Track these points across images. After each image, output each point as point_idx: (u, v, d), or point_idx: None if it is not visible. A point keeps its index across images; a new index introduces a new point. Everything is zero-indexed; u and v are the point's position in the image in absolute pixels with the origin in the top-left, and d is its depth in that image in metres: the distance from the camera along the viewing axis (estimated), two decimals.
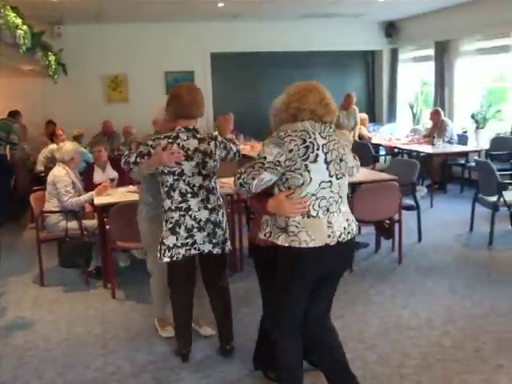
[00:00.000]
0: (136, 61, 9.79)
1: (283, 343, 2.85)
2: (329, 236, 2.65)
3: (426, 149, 8.16)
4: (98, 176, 5.74)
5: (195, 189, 3.36)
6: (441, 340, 3.74)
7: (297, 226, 2.63)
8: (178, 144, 3.32)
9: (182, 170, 3.32)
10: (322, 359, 2.99)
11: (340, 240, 2.68)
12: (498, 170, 5.76)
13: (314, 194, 2.64)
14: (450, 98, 9.67)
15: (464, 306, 4.30)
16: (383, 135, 10.05)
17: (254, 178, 2.61)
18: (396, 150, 9.16)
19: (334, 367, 2.94)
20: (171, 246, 3.37)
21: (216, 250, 3.46)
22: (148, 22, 9.43)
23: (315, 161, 2.61)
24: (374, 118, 11.27)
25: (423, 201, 7.26)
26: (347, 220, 2.76)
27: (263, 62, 10.51)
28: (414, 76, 11.01)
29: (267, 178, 2.62)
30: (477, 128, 8.83)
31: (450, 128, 8.70)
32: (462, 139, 8.90)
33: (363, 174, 5.11)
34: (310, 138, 2.62)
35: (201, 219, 3.38)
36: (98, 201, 4.87)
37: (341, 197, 2.74)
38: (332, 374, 2.94)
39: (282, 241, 2.67)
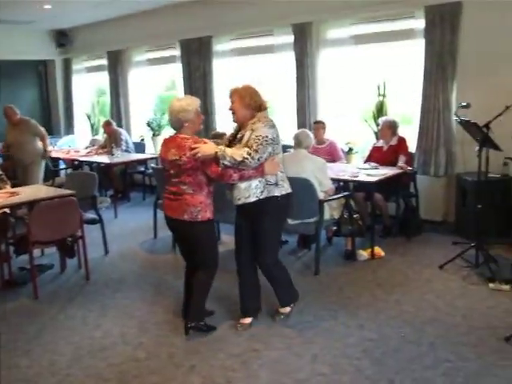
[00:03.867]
0: None
1: (281, 266, 4.02)
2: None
3: (105, 159, 8.12)
4: None
5: None
6: (135, 353, 3.68)
7: (282, 180, 3.79)
8: None
9: None
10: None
11: None
12: None
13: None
14: (126, 107, 9.82)
15: (155, 312, 4.32)
16: (62, 148, 9.69)
17: (264, 153, 3.56)
18: (76, 163, 8.89)
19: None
20: None
21: None
22: None
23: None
24: (51, 131, 10.71)
25: (108, 211, 7.20)
26: None
27: None
28: (89, 86, 10.85)
29: (270, 150, 3.60)
30: (153, 135, 9.16)
31: (124, 137, 8.82)
32: (140, 147, 9.12)
33: (40, 191, 4.75)
34: None
35: None
36: None
37: None
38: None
39: (277, 192, 3.74)
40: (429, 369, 3.29)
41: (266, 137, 3.57)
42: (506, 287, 4.40)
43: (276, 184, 3.73)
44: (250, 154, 3.50)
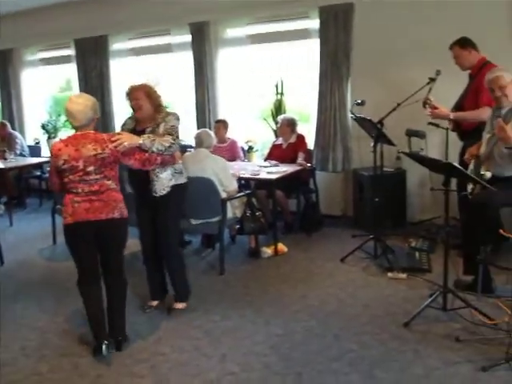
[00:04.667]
0: None
1: (182, 258, 4.26)
2: None
3: None
4: None
5: None
6: (37, 367, 3.45)
7: (181, 168, 4.07)
8: None
9: None
10: None
11: None
12: None
13: None
14: (19, 110, 9.29)
15: (57, 322, 4.10)
16: None
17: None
18: None
19: None
20: None
21: None
22: None
23: None
24: None
25: (2, 220, 6.79)
26: None
27: None
28: None
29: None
30: (48, 138, 8.75)
31: (19, 140, 8.41)
32: (35, 150, 8.69)
33: None
34: None
35: None
36: None
37: None
38: None
39: (181, 180, 4.04)
40: (334, 360, 3.36)
41: (177, 127, 3.86)
42: (403, 275, 4.60)
43: (181, 172, 4.04)
44: (174, 140, 3.76)
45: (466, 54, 4.86)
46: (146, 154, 3.61)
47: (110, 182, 3.48)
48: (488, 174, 4.08)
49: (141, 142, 3.56)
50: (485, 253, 3.85)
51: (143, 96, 3.84)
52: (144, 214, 4.10)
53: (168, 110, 3.99)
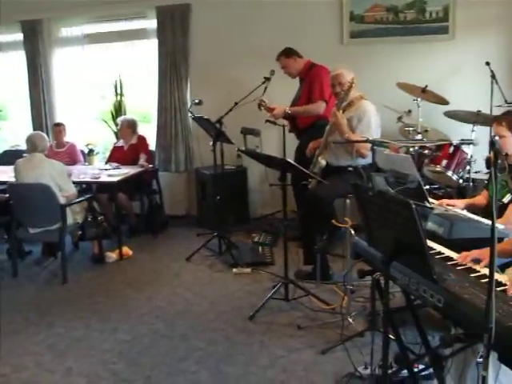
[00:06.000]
0: None
1: None
2: None
3: None
4: None
5: None
6: None
7: None
8: None
9: None
10: None
11: None
12: None
13: None
14: None
15: None
16: None
17: None
18: None
19: None
20: None
21: None
22: None
23: None
24: None
25: None
26: None
27: None
28: None
29: None
30: None
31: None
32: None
33: None
34: None
35: None
36: None
37: None
38: None
39: None
40: (182, 360, 3.38)
41: None
42: (248, 270, 4.76)
43: None
44: None
45: (292, 62, 5.19)
46: None
47: None
48: (323, 162, 4.39)
49: None
50: (321, 243, 4.13)
51: None
52: None
53: None
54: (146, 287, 4.58)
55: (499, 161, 1.84)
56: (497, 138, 3.27)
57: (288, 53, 5.20)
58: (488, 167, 4.36)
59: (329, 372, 3.15)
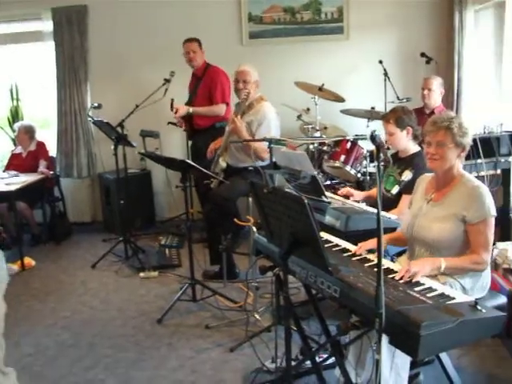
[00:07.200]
0: None
1: None
2: None
3: None
4: None
5: None
6: None
7: None
8: None
9: None
10: None
11: None
12: None
13: None
14: None
15: None
16: None
17: None
18: None
19: None
20: None
21: None
22: None
23: None
24: None
25: None
26: None
27: None
28: None
29: None
30: None
31: None
32: None
33: None
34: None
35: None
36: None
37: None
38: None
39: None
40: (89, 369, 3.34)
41: None
42: (155, 273, 4.76)
43: None
44: None
45: (200, 52, 5.25)
46: None
47: None
48: (223, 164, 4.46)
49: None
50: (226, 242, 4.20)
51: None
52: None
53: None
54: (50, 298, 4.46)
55: (381, 154, 1.97)
56: (386, 135, 3.51)
57: (200, 42, 5.23)
58: (371, 161, 4.61)
59: (238, 369, 3.23)
